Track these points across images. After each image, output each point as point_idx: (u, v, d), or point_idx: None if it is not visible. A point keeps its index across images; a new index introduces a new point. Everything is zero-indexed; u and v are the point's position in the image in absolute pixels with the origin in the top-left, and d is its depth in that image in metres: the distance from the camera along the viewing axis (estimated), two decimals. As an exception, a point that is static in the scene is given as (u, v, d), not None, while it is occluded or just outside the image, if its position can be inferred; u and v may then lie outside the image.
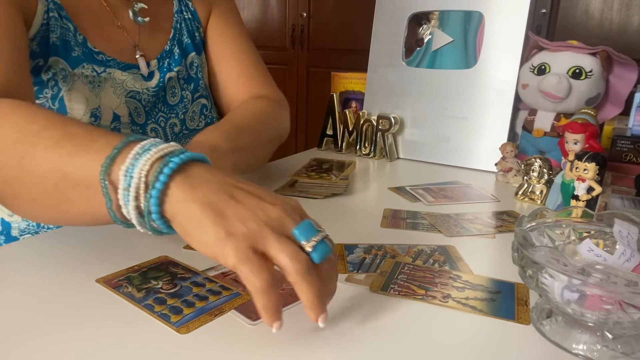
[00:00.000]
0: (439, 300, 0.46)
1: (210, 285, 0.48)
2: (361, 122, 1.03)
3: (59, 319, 0.42)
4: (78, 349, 0.38)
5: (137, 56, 0.74)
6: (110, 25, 0.72)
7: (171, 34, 0.79)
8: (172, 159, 0.38)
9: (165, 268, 0.51)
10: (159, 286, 0.47)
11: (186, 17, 0.82)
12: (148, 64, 0.75)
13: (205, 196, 0.37)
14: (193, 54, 0.82)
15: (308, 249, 0.37)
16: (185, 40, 0.81)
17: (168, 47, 0.78)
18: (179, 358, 0.37)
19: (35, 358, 0.37)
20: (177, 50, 0.79)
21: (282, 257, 0.36)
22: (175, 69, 0.78)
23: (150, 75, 0.75)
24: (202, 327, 0.41)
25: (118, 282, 0.48)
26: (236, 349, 0.39)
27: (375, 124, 1.01)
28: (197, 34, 0.83)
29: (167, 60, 0.77)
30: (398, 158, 1.03)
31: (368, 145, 1.03)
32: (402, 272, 0.51)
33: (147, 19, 0.74)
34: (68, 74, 0.65)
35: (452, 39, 0.99)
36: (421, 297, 0.47)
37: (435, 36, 1.01)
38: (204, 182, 0.38)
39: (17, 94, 0.53)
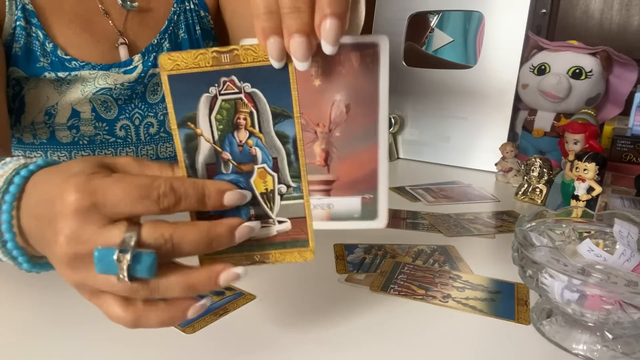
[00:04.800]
0: (439, 300, 0.46)
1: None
2: (361, 122, 1.03)
3: (61, 318, 0.42)
4: (82, 349, 0.38)
5: (117, 44, 0.69)
6: (93, 12, 0.68)
7: (164, 26, 0.72)
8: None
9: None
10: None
11: (188, 7, 0.75)
12: (131, 60, 0.69)
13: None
14: None
15: None
16: (182, 35, 0.74)
17: (156, 41, 0.71)
18: (186, 357, 0.38)
19: (37, 357, 0.37)
20: (167, 45, 0.72)
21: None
22: None
23: (132, 70, 0.69)
24: (207, 326, 0.41)
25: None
26: (241, 348, 0.39)
27: (375, 124, 1.01)
28: (198, 27, 0.76)
29: (154, 54, 0.71)
30: (398, 158, 1.03)
31: (368, 145, 1.03)
32: (402, 272, 0.51)
33: (135, 4, 0.69)
34: (30, 77, 0.64)
35: (452, 39, 0.99)
36: (421, 297, 0.47)
37: (435, 36, 1.01)
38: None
39: None
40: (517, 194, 0.78)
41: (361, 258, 0.54)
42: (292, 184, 0.36)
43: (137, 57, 0.70)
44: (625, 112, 0.91)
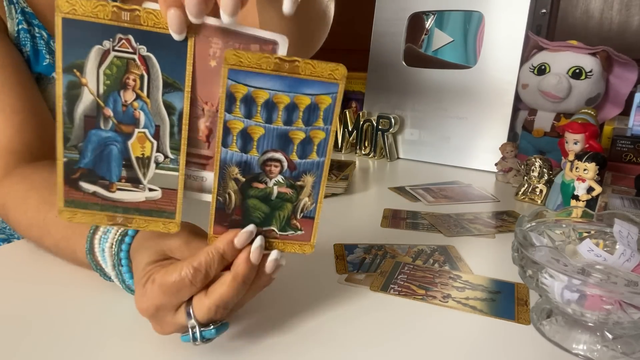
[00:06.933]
0: (439, 300, 0.46)
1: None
2: (361, 122, 1.03)
3: (61, 314, 0.42)
4: (79, 341, 0.38)
5: None
6: None
7: None
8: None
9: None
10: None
11: None
12: None
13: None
14: None
15: None
16: None
17: None
18: (187, 356, 0.38)
19: (36, 354, 0.37)
20: None
21: None
22: None
23: None
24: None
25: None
26: (240, 348, 0.39)
27: (375, 124, 1.01)
28: None
29: None
30: (398, 158, 1.03)
31: (368, 145, 1.03)
32: (402, 272, 0.51)
33: None
34: (41, 76, 0.65)
35: (452, 39, 0.99)
36: (421, 297, 0.47)
37: (435, 36, 1.01)
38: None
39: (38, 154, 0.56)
40: (517, 194, 0.78)
41: (361, 258, 0.54)
42: (170, 155, 0.36)
43: None
44: (625, 112, 0.91)
